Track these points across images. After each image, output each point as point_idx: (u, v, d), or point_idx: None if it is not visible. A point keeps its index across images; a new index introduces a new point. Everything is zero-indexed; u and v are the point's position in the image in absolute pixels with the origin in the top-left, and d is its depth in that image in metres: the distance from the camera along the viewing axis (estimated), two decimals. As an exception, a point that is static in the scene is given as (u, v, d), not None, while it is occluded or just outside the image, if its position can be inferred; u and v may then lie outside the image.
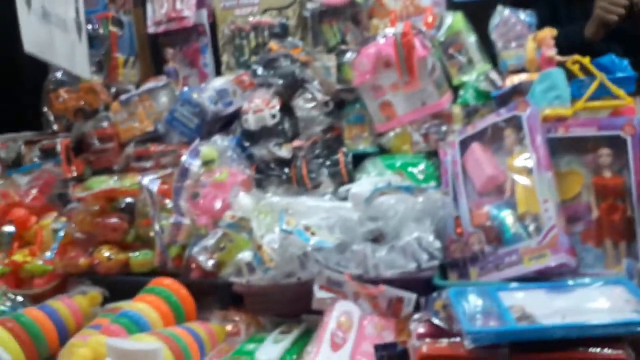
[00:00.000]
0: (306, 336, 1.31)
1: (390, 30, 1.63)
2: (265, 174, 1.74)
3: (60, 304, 1.44)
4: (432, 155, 1.59)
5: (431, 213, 1.32)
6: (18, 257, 1.66)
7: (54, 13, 1.81)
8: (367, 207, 1.34)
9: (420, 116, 1.62)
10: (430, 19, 1.75)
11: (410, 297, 1.24)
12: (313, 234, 1.32)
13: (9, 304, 1.53)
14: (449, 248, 1.33)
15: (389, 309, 1.26)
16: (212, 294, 1.50)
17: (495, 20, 1.59)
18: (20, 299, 1.55)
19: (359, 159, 1.68)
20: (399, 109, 1.65)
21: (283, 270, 1.35)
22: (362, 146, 1.70)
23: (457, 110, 1.61)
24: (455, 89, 1.67)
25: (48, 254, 1.64)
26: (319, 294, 1.28)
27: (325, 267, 1.30)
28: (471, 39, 1.66)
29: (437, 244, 1.29)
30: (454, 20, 1.68)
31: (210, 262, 1.46)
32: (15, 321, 1.33)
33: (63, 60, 1.87)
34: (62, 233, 1.66)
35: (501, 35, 1.58)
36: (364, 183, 1.40)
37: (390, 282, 1.27)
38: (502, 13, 1.59)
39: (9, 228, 1.72)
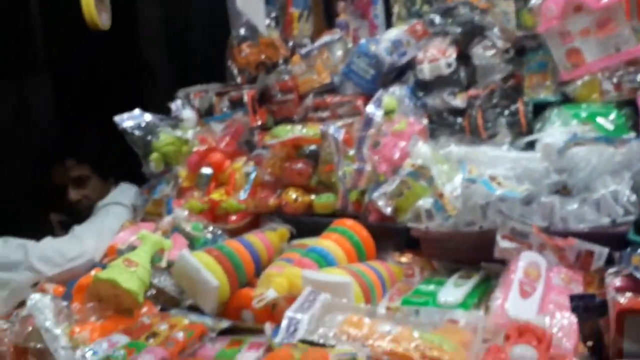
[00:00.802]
0: (485, 283, 1.33)
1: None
2: (437, 124, 1.73)
3: (254, 238, 1.59)
4: (623, 105, 1.48)
5: (630, 165, 1.23)
6: (215, 196, 1.85)
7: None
8: (559, 158, 1.29)
9: (612, 63, 1.51)
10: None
11: (601, 251, 1.19)
12: (499, 184, 1.30)
13: (209, 235, 1.72)
14: (647, 203, 1.24)
15: (577, 262, 1.22)
16: (390, 237, 1.56)
17: None
18: (219, 231, 1.73)
19: (538, 109, 1.61)
20: (589, 56, 1.54)
21: (464, 218, 1.37)
22: (544, 95, 1.62)
23: (657, 56, 1.46)
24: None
25: (241, 194, 1.80)
26: (503, 243, 1.28)
27: (509, 218, 1.28)
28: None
29: (635, 198, 1.22)
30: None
31: (389, 208, 1.51)
32: (219, 251, 1.49)
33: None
34: (253, 176, 1.81)
35: None
36: (556, 132, 1.34)
37: (578, 235, 1.23)
38: None
39: (207, 170, 1.90)
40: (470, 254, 1.39)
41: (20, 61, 3.10)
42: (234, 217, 1.79)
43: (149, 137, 1.99)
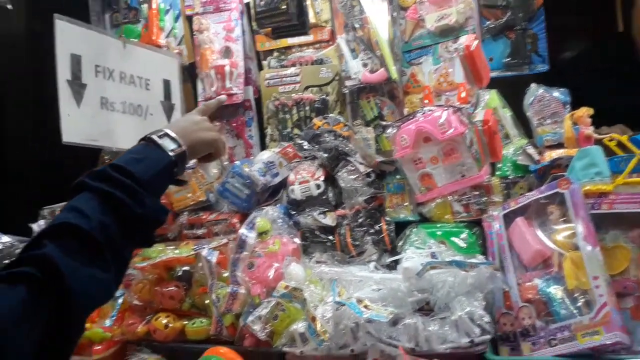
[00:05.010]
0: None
1: (428, 109, 1.63)
2: (310, 241, 1.73)
3: (120, 373, 1.41)
4: (473, 224, 1.57)
5: (481, 287, 1.28)
6: (79, 323, 1.64)
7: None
8: (419, 280, 1.31)
9: (460, 187, 1.61)
10: (463, 94, 1.76)
11: (464, 372, 1.20)
12: (366, 306, 1.29)
13: (70, 370, 1.50)
14: (500, 322, 1.29)
15: (444, 383, 1.21)
16: (266, 362, 1.46)
17: (529, 98, 1.59)
18: (81, 365, 1.53)
19: (400, 227, 1.66)
20: (439, 180, 1.63)
21: (336, 341, 1.32)
22: (404, 214, 1.69)
23: (496, 182, 1.59)
24: (493, 163, 1.66)
25: (107, 321, 1.62)
26: (374, 367, 1.24)
27: (378, 340, 1.26)
28: (507, 114, 1.66)
29: (488, 318, 1.25)
30: (490, 97, 1.68)
31: (265, 332, 1.43)
32: (79, 391, 1.30)
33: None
34: (120, 300, 1.64)
35: (536, 113, 1.57)
36: (414, 257, 1.37)
37: (442, 356, 1.23)
38: (536, 91, 1.58)
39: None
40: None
41: None
42: (98, 347, 1.59)
43: (6, 262, 1.75)
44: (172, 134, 1.04)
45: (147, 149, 1.01)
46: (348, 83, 1.93)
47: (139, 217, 0.90)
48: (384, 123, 1.81)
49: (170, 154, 1.02)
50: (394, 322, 1.30)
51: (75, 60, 1.61)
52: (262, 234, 1.56)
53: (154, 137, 1.03)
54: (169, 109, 1.97)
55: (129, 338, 1.59)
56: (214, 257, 1.53)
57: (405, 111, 1.89)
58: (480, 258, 1.38)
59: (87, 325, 1.64)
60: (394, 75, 1.84)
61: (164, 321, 1.56)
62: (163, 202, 1.89)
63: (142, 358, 1.50)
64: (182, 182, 1.18)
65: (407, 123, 1.66)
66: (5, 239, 1.81)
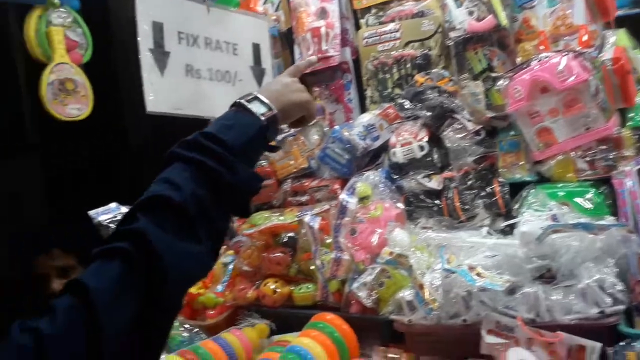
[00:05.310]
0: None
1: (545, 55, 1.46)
2: (415, 206, 1.65)
3: (232, 337, 1.46)
4: (600, 183, 1.40)
5: (612, 251, 1.14)
6: (192, 289, 1.72)
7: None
8: (538, 246, 1.19)
9: (584, 142, 1.44)
10: (585, 38, 1.56)
11: (593, 345, 1.08)
12: (478, 274, 1.20)
13: (186, 334, 1.58)
14: (635, 290, 1.14)
15: (569, 358, 1.10)
16: (373, 329, 1.43)
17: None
18: (195, 329, 1.59)
19: (515, 189, 1.53)
20: (559, 135, 1.47)
21: (447, 310, 1.25)
22: (519, 174, 1.55)
23: (627, 134, 1.40)
24: (623, 112, 1.46)
25: (219, 286, 1.67)
26: (489, 338, 1.16)
27: (493, 310, 1.17)
28: (639, 55, 1.44)
29: (621, 286, 1.11)
30: (618, 37, 1.46)
31: (370, 299, 1.40)
32: (194, 353, 1.36)
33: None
34: (231, 266, 1.69)
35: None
36: (532, 220, 1.25)
37: (567, 328, 1.12)
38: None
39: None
40: (457, 348, 1.27)
41: (10, 143, 3.02)
42: (211, 312, 1.66)
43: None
44: (262, 98, 0.99)
45: (237, 115, 0.97)
46: (452, 34, 1.78)
47: (232, 187, 0.87)
48: (494, 75, 1.66)
49: (261, 118, 0.97)
50: (511, 290, 1.20)
51: (158, 28, 1.59)
52: (363, 199, 1.52)
53: (243, 101, 0.99)
54: (259, 74, 1.93)
55: (240, 303, 1.63)
56: (317, 224, 1.51)
57: (518, 60, 1.72)
58: (610, 219, 1.22)
59: (201, 290, 1.71)
60: (504, 21, 1.67)
61: (272, 286, 1.58)
62: (267, 171, 1.94)
63: (252, 323, 1.53)
64: (275, 147, 1.14)
65: (520, 73, 1.51)
66: (125, 209, 1.92)
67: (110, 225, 1.86)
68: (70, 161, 2.90)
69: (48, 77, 1.80)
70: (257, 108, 0.98)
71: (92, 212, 1.86)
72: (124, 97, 2.63)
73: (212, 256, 0.86)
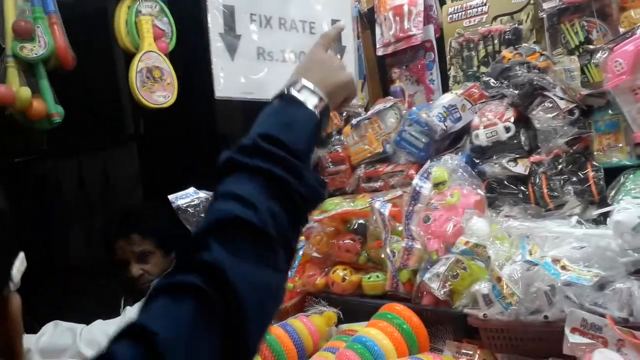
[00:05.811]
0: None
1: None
2: (498, 193, 1.53)
3: (299, 324, 1.43)
4: None
5: None
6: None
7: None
8: (634, 237, 1.04)
9: (699, 121, 1.25)
10: None
11: (701, 354, 0.93)
12: (564, 267, 1.07)
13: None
14: None
15: (669, 365, 0.96)
16: (445, 323, 1.35)
17: None
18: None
19: (611, 175, 1.37)
20: (668, 113, 1.29)
21: (527, 306, 1.14)
22: (617, 158, 1.39)
23: None
24: None
25: (289, 272, 1.66)
26: (573, 337, 1.04)
27: (579, 307, 1.05)
28: None
29: None
30: None
31: (443, 291, 1.31)
32: (261, 337, 1.35)
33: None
34: (301, 252, 1.67)
35: None
36: (630, 208, 1.10)
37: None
38: None
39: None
40: (537, 347, 1.16)
41: (109, 135, 3.23)
42: (281, 297, 1.65)
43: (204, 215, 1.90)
44: (310, 85, 0.87)
45: (290, 109, 0.85)
46: (546, 5, 1.63)
47: (303, 197, 0.75)
48: (592, 47, 1.49)
49: (315, 111, 0.85)
50: (601, 286, 1.07)
51: (229, 11, 1.58)
52: (438, 185, 1.42)
53: (294, 92, 0.86)
54: (339, 52, 1.86)
55: (309, 289, 1.61)
56: (387, 210, 1.44)
57: (621, 31, 1.53)
58: None
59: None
60: (606, -14, 1.50)
61: (342, 274, 1.54)
62: (341, 156, 1.90)
63: (320, 310, 1.50)
64: (324, 141, 1.02)
65: (622, 44, 1.35)
66: (202, 194, 1.96)
67: (188, 209, 1.90)
68: (162, 150, 3.05)
69: (137, 64, 1.88)
70: (309, 99, 0.87)
71: (171, 197, 1.92)
72: (206, 83, 2.70)
73: (286, 280, 0.77)
